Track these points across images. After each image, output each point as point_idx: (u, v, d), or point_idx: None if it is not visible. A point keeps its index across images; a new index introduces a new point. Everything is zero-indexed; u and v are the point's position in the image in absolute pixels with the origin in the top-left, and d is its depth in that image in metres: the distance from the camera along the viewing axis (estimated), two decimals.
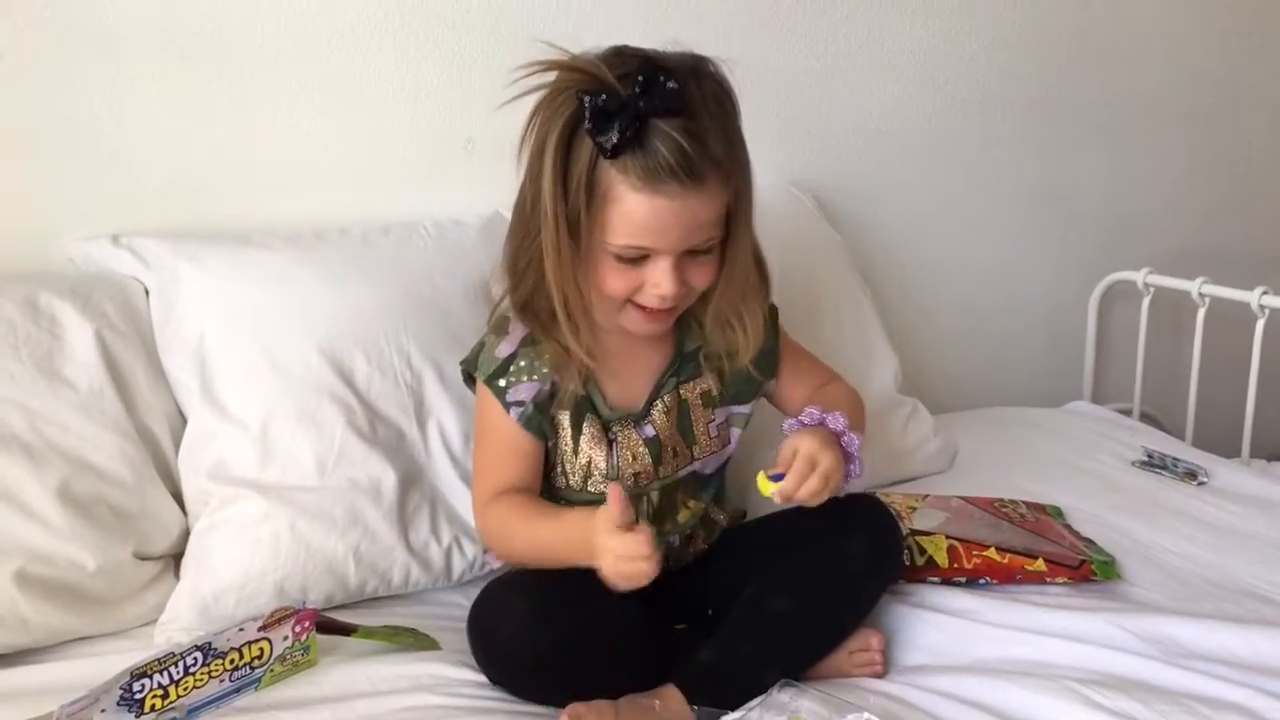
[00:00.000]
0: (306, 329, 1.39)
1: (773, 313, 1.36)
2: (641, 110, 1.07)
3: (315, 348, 1.38)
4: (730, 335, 1.28)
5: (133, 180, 1.47)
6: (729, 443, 1.34)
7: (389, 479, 1.36)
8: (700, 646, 1.19)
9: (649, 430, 1.28)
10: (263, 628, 1.15)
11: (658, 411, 1.29)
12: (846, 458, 1.19)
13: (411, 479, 1.39)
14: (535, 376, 1.24)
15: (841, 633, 1.25)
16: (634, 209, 1.10)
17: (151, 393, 1.34)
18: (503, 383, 1.25)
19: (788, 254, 1.64)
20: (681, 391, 1.31)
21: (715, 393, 1.33)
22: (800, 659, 1.21)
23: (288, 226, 1.51)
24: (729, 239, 1.19)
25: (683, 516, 1.33)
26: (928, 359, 2.05)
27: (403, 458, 1.40)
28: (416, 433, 1.42)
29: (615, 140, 1.07)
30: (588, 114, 1.08)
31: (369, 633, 1.23)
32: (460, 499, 1.41)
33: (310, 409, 1.36)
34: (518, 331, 1.26)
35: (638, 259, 1.14)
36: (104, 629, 1.25)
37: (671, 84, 1.07)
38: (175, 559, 1.33)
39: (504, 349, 1.26)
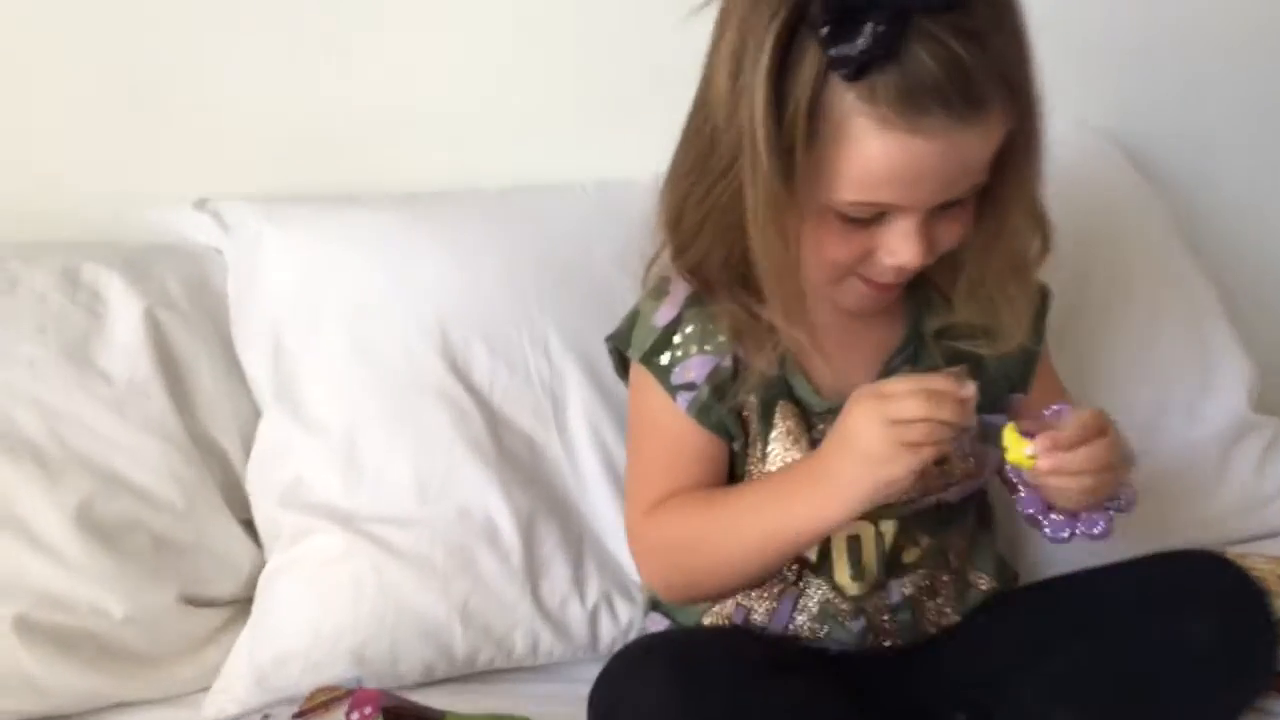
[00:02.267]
0: (412, 308, 1.06)
1: (1043, 298, 0.96)
2: (901, 5, 0.71)
3: (421, 332, 1.05)
4: (990, 313, 0.89)
5: (242, 136, 1.18)
6: (986, 466, 0.92)
7: (514, 510, 1.01)
8: None
9: None
10: (300, 715, 0.82)
11: None
12: None
13: (546, 511, 1.03)
14: (709, 347, 0.88)
15: None
16: (879, 153, 0.75)
17: (220, 391, 1.05)
18: (665, 359, 0.89)
19: (1082, 218, 1.20)
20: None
21: (977, 322, 0.92)
22: None
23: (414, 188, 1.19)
24: (1001, 183, 0.81)
25: (910, 556, 0.92)
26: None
27: (536, 482, 1.04)
28: (558, 448, 1.07)
29: (862, 48, 0.71)
30: (822, 8, 0.72)
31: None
32: (616, 538, 1.04)
33: (410, 413, 1.03)
34: (680, 289, 0.90)
35: (872, 217, 0.79)
36: (148, 694, 0.96)
37: None
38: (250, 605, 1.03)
39: (664, 314, 0.90)
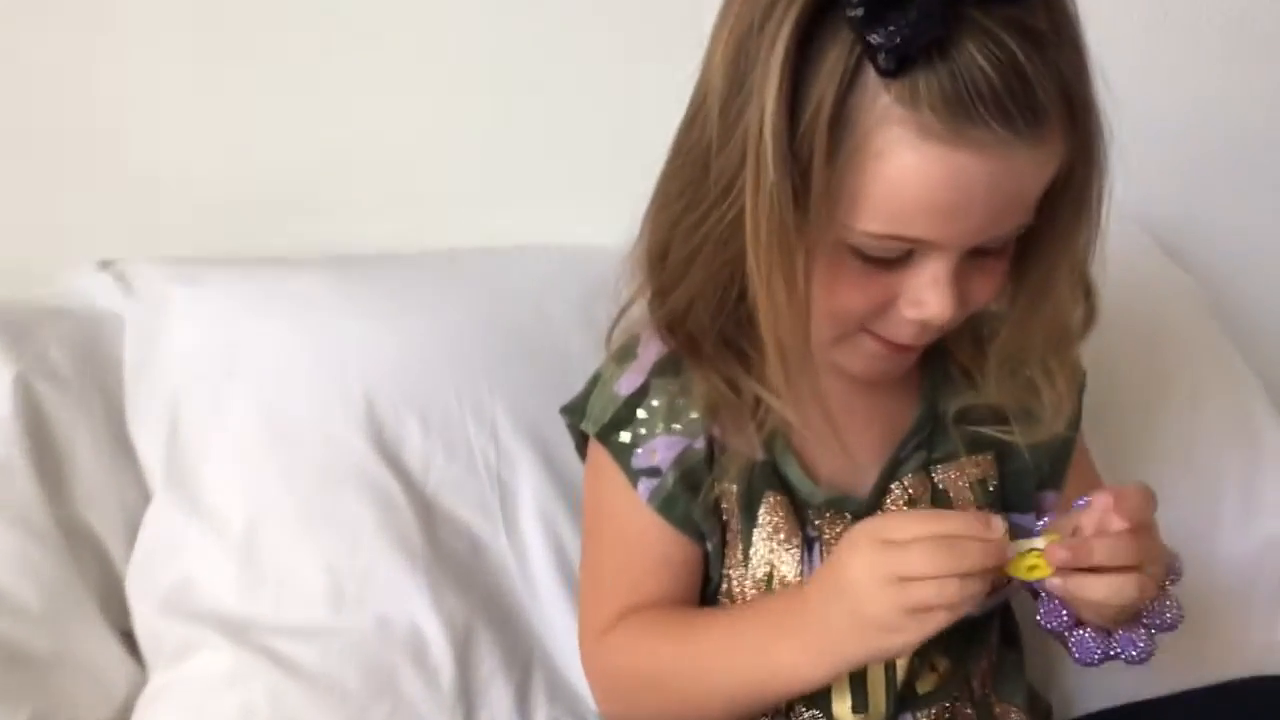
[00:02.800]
0: (334, 379, 0.90)
1: (1080, 379, 0.80)
2: None
3: (345, 406, 0.89)
4: (1026, 393, 0.75)
5: (162, 198, 1.04)
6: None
7: (446, 621, 0.84)
8: None
9: None
10: None
11: (897, 500, 0.75)
12: None
13: (487, 622, 0.86)
14: (679, 425, 0.73)
15: None
16: (916, 170, 0.60)
17: (103, 474, 0.88)
18: (625, 436, 0.74)
19: (1115, 309, 1.06)
20: (936, 474, 0.76)
21: (993, 485, 0.76)
22: None
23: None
24: (1048, 234, 0.68)
25: (926, 684, 0.75)
26: None
27: (476, 587, 0.88)
28: (504, 547, 0.90)
29: (907, 35, 0.57)
30: None
31: None
32: (572, 656, 0.85)
33: (326, 502, 0.86)
34: (650, 351, 0.75)
35: (897, 257, 0.64)
36: None
37: None
38: None
39: (628, 381, 0.75)
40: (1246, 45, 1.33)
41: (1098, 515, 0.64)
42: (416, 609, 0.84)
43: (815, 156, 0.60)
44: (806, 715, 0.74)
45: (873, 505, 0.74)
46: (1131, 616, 0.66)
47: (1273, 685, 0.75)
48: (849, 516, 0.74)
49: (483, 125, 1.09)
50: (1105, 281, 1.11)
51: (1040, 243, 0.68)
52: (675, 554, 0.74)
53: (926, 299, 0.64)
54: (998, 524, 0.62)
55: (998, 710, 0.78)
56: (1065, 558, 0.62)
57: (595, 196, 0.94)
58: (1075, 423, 0.80)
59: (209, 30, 1.02)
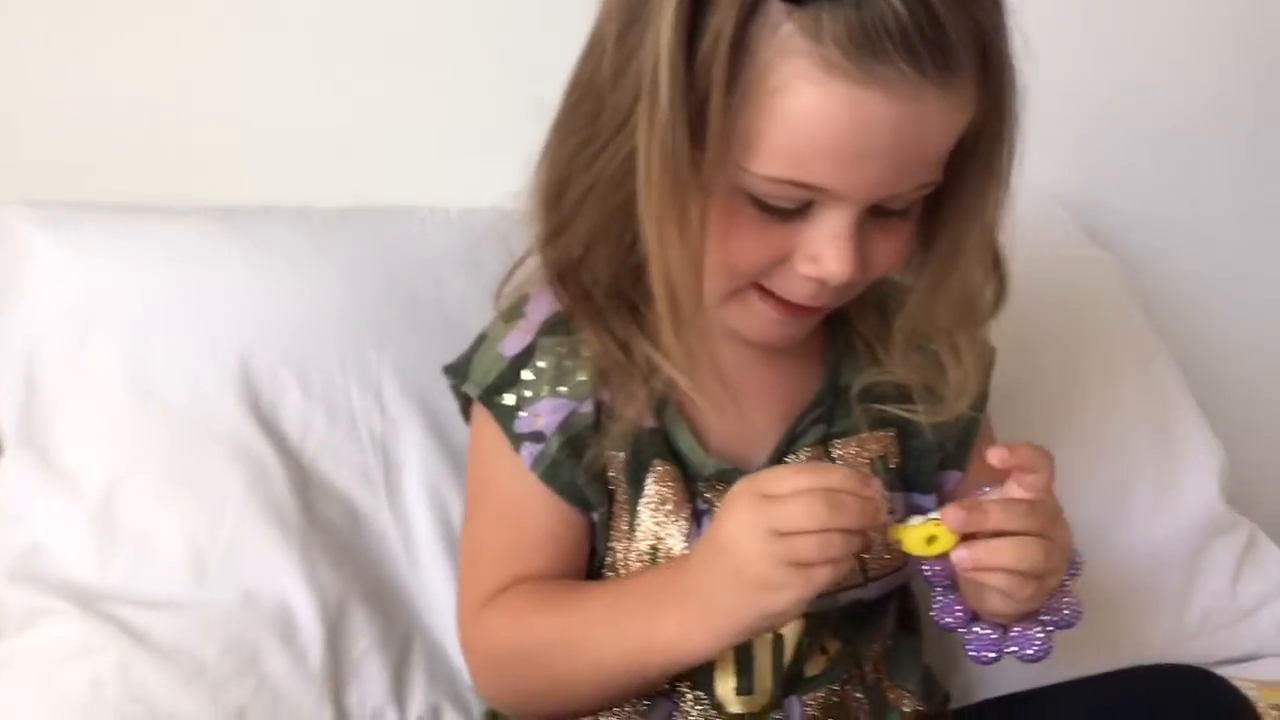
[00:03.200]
0: (205, 336, 0.84)
1: (988, 358, 0.77)
2: None
3: (216, 364, 0.84)
4: (932, 370, 0.72)
5: (24, 144, 0.96)
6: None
7: (318, 596, 0.79)
8: None
9: None
10: None
11: None
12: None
13: (363, 597, 0.82)
14: (565, 388, 0.70)
15: None
16: (818, 107, 0.57)
17: None
18: (509, 398, 0.70)
19: (1031, 286, 1.03)
20: (835, 449, 0.73)
21: (894, 463, 0.73)
22: None
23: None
24: (957, 201, 0.66)
25: (815, 666, 0.72)
26: (1268, 466, 1.32)
27: (353, 560, 0.83)
28: (387, 517, 0.85)
29: None
30: None
31: None
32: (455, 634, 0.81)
33: (192, 465, 0.81)
34: (539, 309, 0.71)
35: (796, 208, 0.61)
36: None
37: None
38: None
39: (514, 341, 0.71)
40: (1174, 28, 1.32)
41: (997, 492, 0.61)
42: (286, 583, 0.79)
43: (713, 90, 0.57)
44: (690, 697, 0.70)
45: None
46: (1028, 614, 0.63)
47: (1172, 669, 0.72)
48: None
49: (377, 85, 1.03)
50: (1021, 258, 1.10)
51: (947, 209, 0.65)
52: (559, 526, 0.70)
53: (824, 254, 0.61)
54: (876, 483, 0.59)
55: (890, 695, 0.75)
56: (962, 517, 0.59)
57: (491, 159, 0.85)
58: (981, 403, 0.77)
59: None
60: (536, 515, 0.70)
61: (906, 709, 0.75)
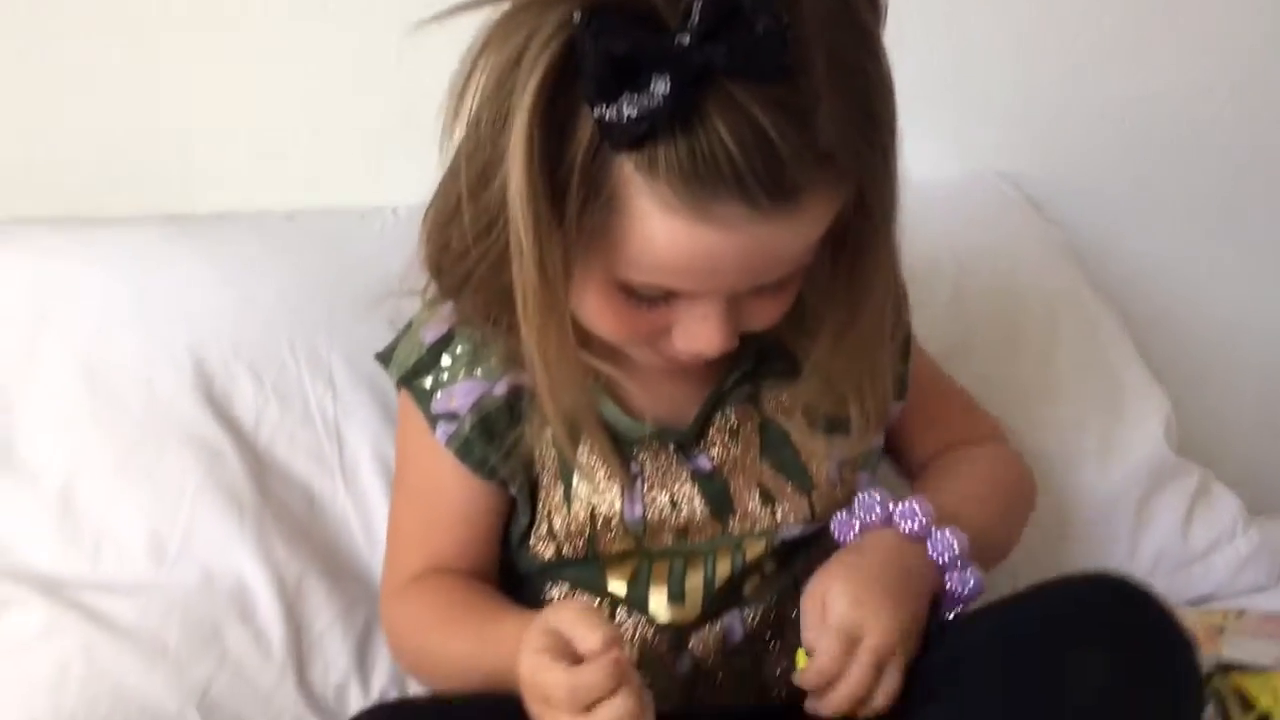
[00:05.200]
0: (158, 332, 0.87)
1: (905, 344, 0.80)
2: (701, 66, 0.54)
3: (169, 357, 0.86)
4: (838, 406, 0.73)
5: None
6: (859, 490, 0.74)
7: (274, 575, 0.82)
8: None
9: (703, 462, 0.73)
10: None
11: (719, 430, 0.74)
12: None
13: (321, 574, 0.83)
14: (480, 371, 0.72)
15: None
16: (663, 237, 0.59)
17: None
18: (427, 382, 0.73)
19: (975, 251, 1.09)
20: (764, 402, 0.74)
21: (825, 408, 0.74)
22: None
23: None
24: (847, 257, 0.66)
25: (751, 584, 0.75)
26: (1218, 421, 1.32)
27: (311, 542, 0.85)
28: (344, 499, 0.87)
29: (636, 115, 0.55)
30: (587, 60, 0.55)
31: None
32: None
33: (148, 454, 0.83)
34: None
35: (664, 295, 0.63)
36: None
37: (765, 20, 0.54)
38: None
39: (433, 329, 0.74)
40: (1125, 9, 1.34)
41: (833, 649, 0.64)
42: (244, 564, 0.81)
43: (569, 212, 0.58)
44: (630, 620, 0.73)
45: (695, 435, 0.73)
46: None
47: (1088, 577, 0.70)
48: (672, 447, 0.72)
49: (325, 89, 1.06)
50: (966, 224, 1.12)
51: (845, 263, 0.66)
52: (474, 506, 0.74)
53: (698, 334, 0.63)
54: (597, 636, 0.58)
55: None
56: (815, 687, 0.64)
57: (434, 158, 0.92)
58: (901, 365, 0.78)
59: None
60: (450, 493, 0.73)
61: None
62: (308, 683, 0.80)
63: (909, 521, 0.69)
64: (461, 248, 0.65)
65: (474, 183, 0.62)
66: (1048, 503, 0.92)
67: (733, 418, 0.73)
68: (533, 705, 0.60)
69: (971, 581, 0.69)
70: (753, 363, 0.73)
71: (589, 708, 0.57)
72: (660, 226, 0.57)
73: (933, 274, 1.05)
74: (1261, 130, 1.40)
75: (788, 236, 0.59)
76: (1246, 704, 0.78)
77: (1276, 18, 1.38)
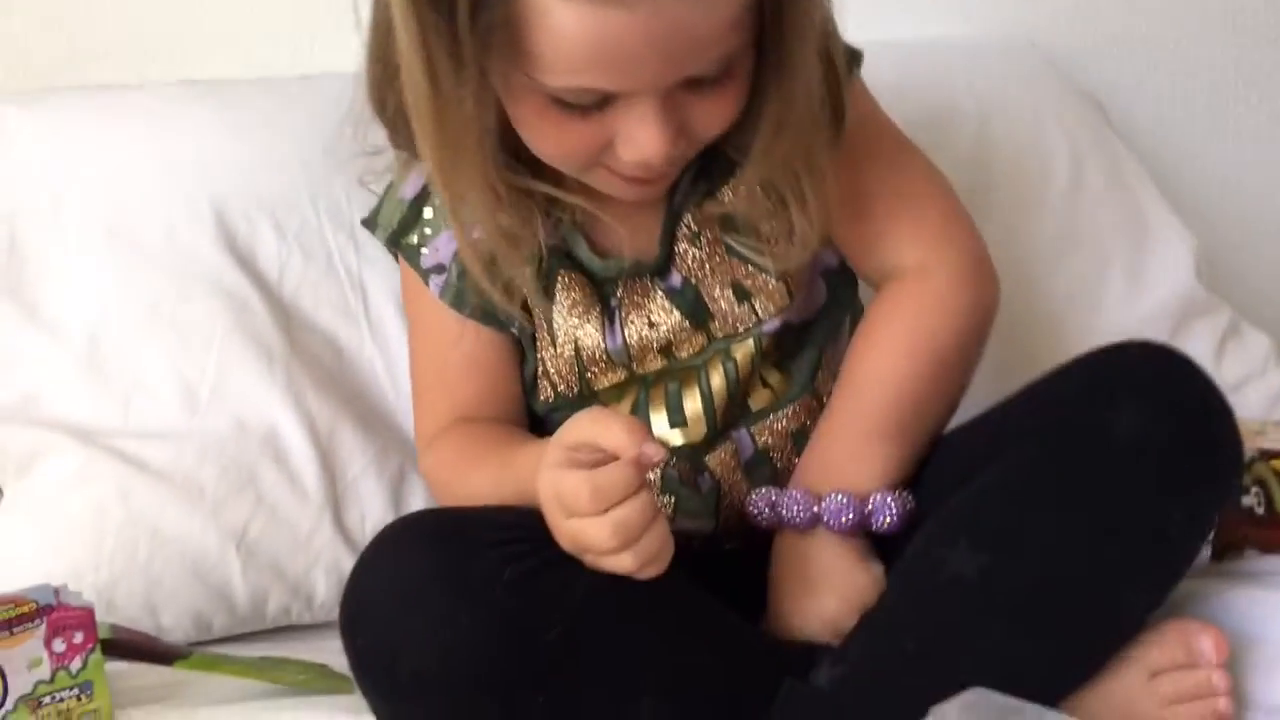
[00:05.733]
0: (180, 187, 0.86)
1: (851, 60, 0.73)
2: None
3: (191, 211, 0.86)
4: (776, 213, 0.70)
5: None
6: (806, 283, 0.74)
7: (306, 422, 0.82)
8: (820, 660, 0.62)
9: (674, 279, 0.72)
10: None
11: (683, 241, 0.72)
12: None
13: (355, 425, 0.84)
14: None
15: (1115, 623, 0.61)
16: (566, 28, 0.57)
17: None
18: (414, 238, 0.75)
19: (996, 103, 1.06)
20: (720, 198, 0.71)
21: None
22: (1027, 680, 0.56)
23: None
24: (774, 47, 0.62)
25: (759, 401, 0.74)
26: (1243, 267, 1.26)
27: (340, 391, 0.85)
28: (370, 350, 0.87)
29: None
30: None
31: (223, 665, 0.67)
32: None
33: (175, 309, 0.83)
34: None
35: (597, 102, 0.61)
36: None
37: None
38: None
39: (412, 185, 0.74)
40: None
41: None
42: (275, 411, 0.81)
43: (458, 16, 0.56)
44: None
45: (665, 259, 0.72)
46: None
47: (1125, 345, 0.65)
48: (648, 277, 0.72)
49: None
50: (989, 84, 1.10)
51: (772, 50, 0.62)
52: (483, 353, 0.74)
53: (638, 138, 0.61)
54: (652, 450, 0.57)
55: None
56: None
57: None
58: (839, 121, 0.70)
59: None
60: (458, 344, 0.73)
61: None
62: (345, 527, 0.80)
63: (838, 518, 0.66)
64: (386, 85, 0.65)
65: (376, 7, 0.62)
66: (1074, 344, 0.91)
67: (691, 223, 0.72)
68: (554, 520, 0.59)
69: (892, 510, 0.66)
70: (697, 167, 0.70)
71: (609, 510, 0.56)
72: (563, 17, 0.56)
73: (953, 122, 1.04)
74: None
75: (697, 12, 0.57)
76: None
77: None
